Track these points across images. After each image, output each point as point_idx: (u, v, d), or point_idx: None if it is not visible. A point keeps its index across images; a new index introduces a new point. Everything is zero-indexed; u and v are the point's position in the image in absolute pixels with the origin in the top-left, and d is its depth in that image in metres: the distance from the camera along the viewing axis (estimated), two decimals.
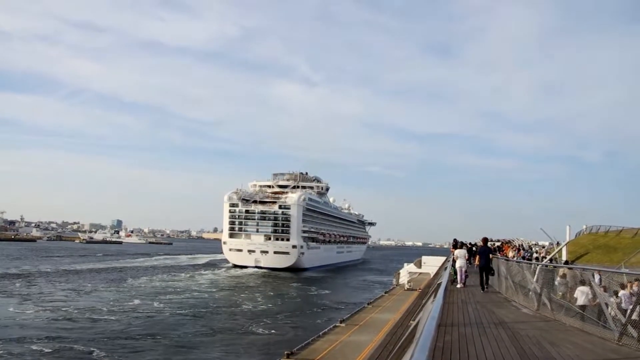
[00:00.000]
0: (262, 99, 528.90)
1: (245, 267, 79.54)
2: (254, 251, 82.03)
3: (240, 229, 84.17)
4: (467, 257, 18.85)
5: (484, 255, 16.50)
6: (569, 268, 12.81)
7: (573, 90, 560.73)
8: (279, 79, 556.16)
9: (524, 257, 23.14)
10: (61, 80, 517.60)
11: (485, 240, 18.20)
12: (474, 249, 19.59)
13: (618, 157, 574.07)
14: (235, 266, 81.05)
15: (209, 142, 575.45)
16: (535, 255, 25.53)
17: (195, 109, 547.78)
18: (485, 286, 16.55)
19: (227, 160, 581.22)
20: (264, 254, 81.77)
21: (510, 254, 25.28)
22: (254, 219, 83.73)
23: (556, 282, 11.63)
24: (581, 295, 10.18)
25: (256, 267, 79.80)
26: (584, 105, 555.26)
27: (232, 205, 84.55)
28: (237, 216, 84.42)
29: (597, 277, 10.37)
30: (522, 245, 34.06)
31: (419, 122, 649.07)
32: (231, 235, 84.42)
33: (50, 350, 22.67)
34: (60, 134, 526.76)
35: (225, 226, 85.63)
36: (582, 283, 10.38)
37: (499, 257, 20.53)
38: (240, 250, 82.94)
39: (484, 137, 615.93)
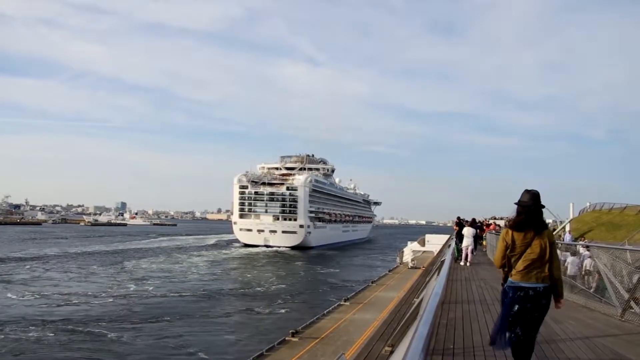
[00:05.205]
0: (267, 80, 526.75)
1: (255, 246, 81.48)
2: (263, 231, 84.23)
3: (249, 210, 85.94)
4: (474, 236, 18.80)
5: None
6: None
7: (577, 68, 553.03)
8: (283, 60, 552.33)
9: None
10: (64, 64, 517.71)
11: (473, 220, 22.45)
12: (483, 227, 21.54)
13: (622, 135, 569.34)
14: (245, 245, 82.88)
15: (212, 124, 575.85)
16: None
17: (199, 90, 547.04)
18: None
19: (231, 141, 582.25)
20: (272, 234, 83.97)
21: None
22: (263, 200, 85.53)
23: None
24: (571, 265, 10.97)
25: (265, 246, 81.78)
26: (588, 83, 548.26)
27: (242, 187, 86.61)
28: (246, 197, 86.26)
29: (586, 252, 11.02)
30: None
31: (423, 101, 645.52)
32: (241, 216, 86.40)
33: (53, 334, 22.37)
34: (63, 117, 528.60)
35: (235, 207, 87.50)
36: (573, 254, 11.22)
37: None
38: (250, 230, 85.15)
39: (488, 116, 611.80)
